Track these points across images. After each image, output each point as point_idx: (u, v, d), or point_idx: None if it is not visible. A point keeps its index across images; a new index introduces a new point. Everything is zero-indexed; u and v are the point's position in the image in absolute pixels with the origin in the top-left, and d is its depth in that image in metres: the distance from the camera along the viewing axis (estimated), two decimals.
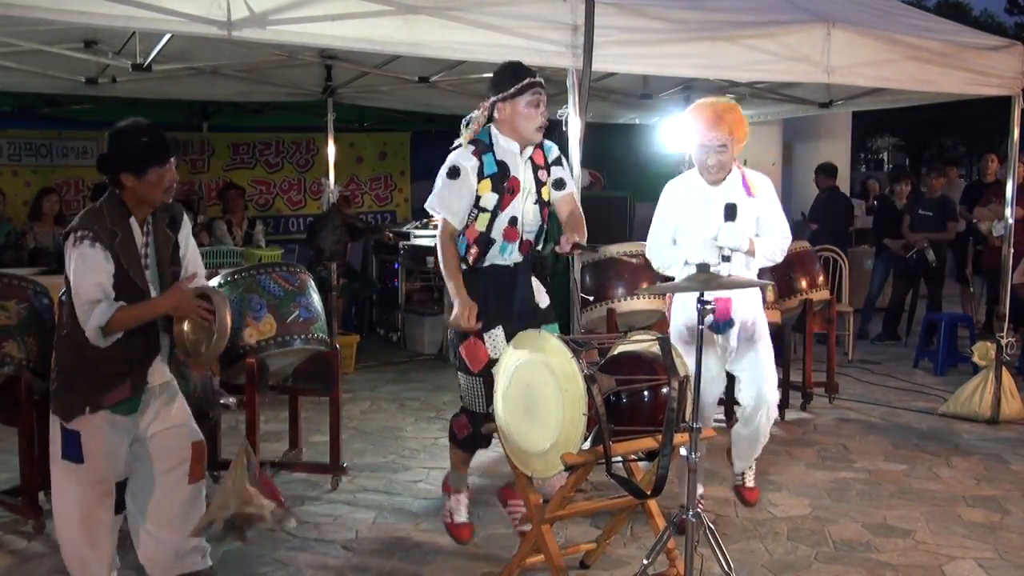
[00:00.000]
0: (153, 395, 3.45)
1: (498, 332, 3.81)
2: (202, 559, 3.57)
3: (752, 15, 4.98)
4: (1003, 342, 6.25)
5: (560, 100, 4.64)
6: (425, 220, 9.94)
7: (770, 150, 11.10)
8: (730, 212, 3.88)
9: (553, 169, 3.96)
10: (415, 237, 9.24)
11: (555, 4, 4.34)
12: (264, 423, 5.58)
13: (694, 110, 4.10)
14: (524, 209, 3.85)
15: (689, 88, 7.51)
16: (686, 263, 4.05)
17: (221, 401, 3.94)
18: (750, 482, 4.61)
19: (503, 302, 3.84)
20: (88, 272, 3.22)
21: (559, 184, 3.96)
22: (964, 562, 4.03)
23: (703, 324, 3.32)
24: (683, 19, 4.70)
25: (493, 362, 3.74)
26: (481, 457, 4.81)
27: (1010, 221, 6.27)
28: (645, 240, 6.21)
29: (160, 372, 3.48)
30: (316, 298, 4.81)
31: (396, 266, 9.07)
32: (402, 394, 7.04)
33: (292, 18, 3.86)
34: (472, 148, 3.83)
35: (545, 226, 3.97)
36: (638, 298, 5.85)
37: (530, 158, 3.89)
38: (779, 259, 4.21)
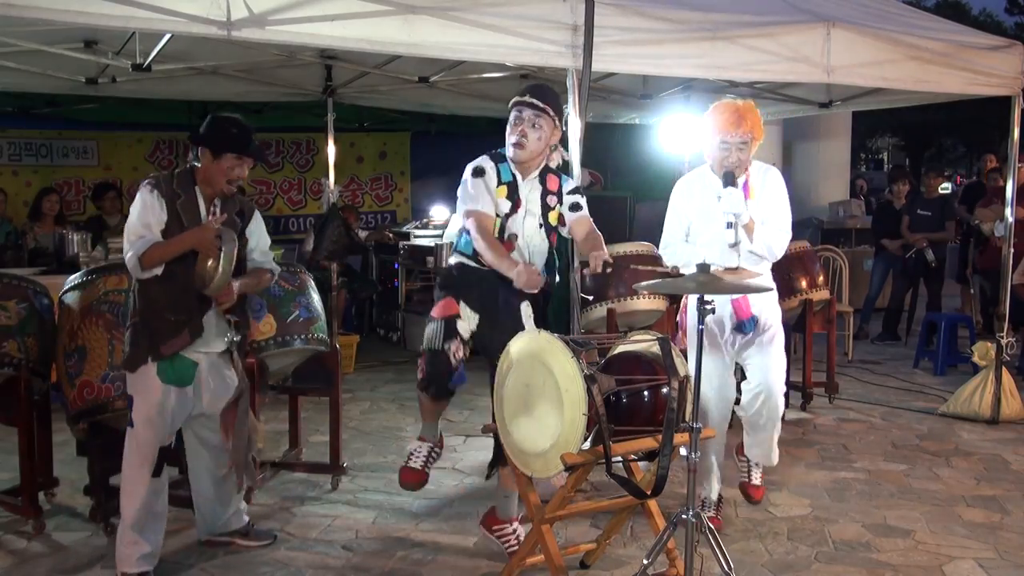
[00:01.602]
0: (206, 371, 3.79)
1: (474, 316, 3.87)
2: (239, 519, 4.12)
3: (752, 15, 4.97)
4: (1003, 342, 6.26)
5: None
6: (425, 220, 9.96)
7: (770, 150, 11.10)
8: (729, 178, 3.93)
9: (567, 197, 4.01)
10: (415, 237, 9.24)
11: (555, 4, 4.34)
12: (264, 423, 5.58)
13: (716, 108, 4.07)
14: (525, 228, 3.92)
15: (689, 88, 7.51)
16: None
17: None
18: (756, 479, 4.49)
19: (489, 301, 3.89)
20: (140, 213, 3.60)
21: (575, 207, 4.00)
22: (964, 562, 4.03)
23: (702, 324, 3.32)
24: (683, 19, 4.70)
25: (459, 319, 3.85)
26: (480, 458, 4.81)
27: (1010, 220, 6.27)
28: (646, 240, 6.27)
29: (215, 341, 3.78)
30: (316, 298, 4.81)
31: (396, 266, 9.07)
32: (402, 394, 7.04)
33: (292, 18, 3.86)
34: (491, 156, 3.95)
35: (554, 258, 4.02)
36: (638, 298, 5.86)
37: (543, 183, 3.96)
38: (778, 254, 4.13)
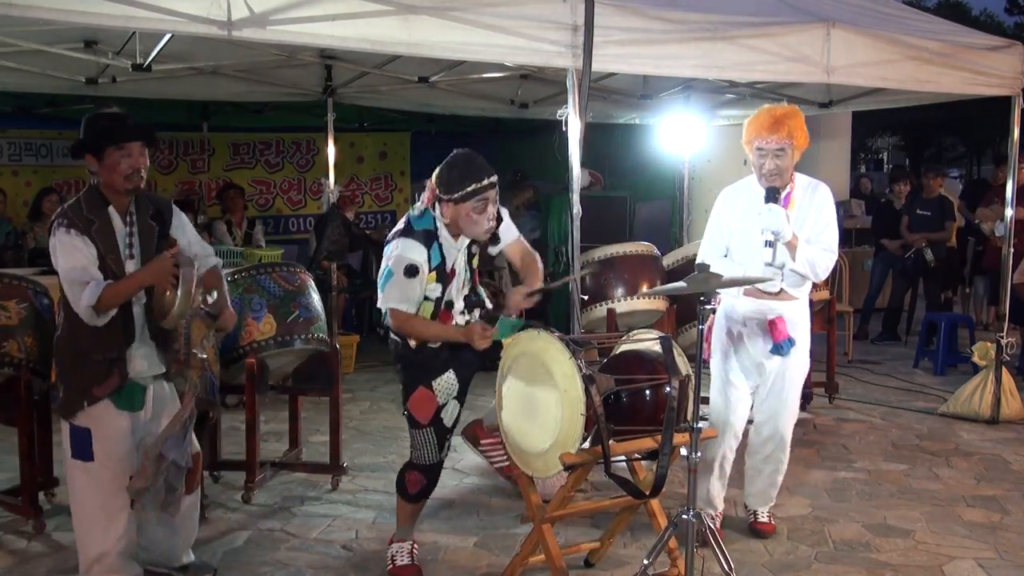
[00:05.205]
0: (156, 393, 3.56)
1: (448, 376, 3.69)
2: (187, 554, 3.78)
3: (752, 15, 4.97)
4: (1003, 342, 6.26)
5: (560, 100, 4.64)
6: None
7: None
8: (771, 194, 3.84)
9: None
10: None
11: (555, 4, 4.34)
12: (264, 423, 5.59)
13: (754, 115, 3.97)
14: (457, 289, 3.73)
15: (689, 88, 7.52)
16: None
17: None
18: (763, 517, 4.32)
19: (452, 348, 3.70)
20: (68, 257, 3.31)
21: (495, 240, 3.77)
22: (964, 562, 4.03)
23: (703, 324, 3.31)
24: (683, 19, 4.70)
25: (441, 408, 3.68)
26: (481, 458, 4.80)
27: (1009, 213, 6.27)
28: (646, 240, 6.27)
29: (151, 363, 3.53)
30: (316, 298, 4.82)
31: None
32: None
33: (292, 18, 3.86)
34: (419, 239, 3.61)
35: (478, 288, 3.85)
36: (638, 298, 5.85)
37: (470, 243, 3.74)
38: (821, 274, 3.98)
